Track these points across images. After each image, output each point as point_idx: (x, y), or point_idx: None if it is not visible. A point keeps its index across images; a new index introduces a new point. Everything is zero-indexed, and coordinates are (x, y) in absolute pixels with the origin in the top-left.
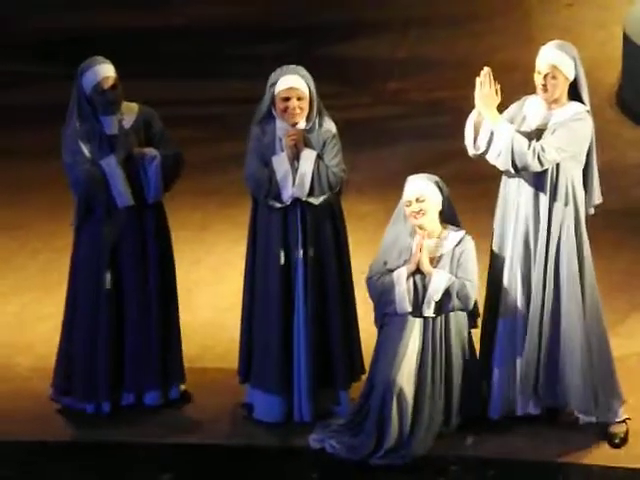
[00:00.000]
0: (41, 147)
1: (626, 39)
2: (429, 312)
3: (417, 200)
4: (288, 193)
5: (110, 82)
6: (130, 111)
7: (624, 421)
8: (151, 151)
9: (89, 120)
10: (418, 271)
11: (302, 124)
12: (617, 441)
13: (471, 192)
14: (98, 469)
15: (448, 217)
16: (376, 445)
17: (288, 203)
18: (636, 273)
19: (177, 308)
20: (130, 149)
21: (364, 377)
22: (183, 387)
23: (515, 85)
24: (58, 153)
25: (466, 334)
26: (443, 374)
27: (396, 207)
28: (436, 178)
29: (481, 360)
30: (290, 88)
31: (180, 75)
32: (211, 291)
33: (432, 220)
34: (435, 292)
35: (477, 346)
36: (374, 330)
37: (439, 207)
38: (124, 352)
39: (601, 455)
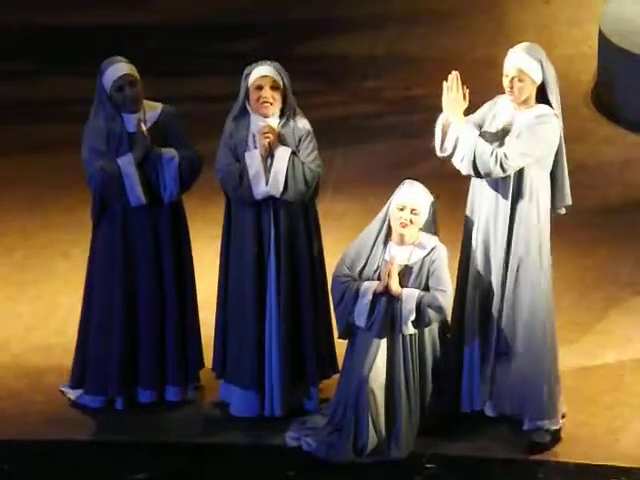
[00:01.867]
0: (20, 143)
1: (602, 37)
2: (409, 331)
3: (412, 211)
4: (260, 190)
5: (128, 80)
6: (152, 110)
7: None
8: (169, 151)
9: (111, 118)
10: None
11: (275, 120)
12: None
13: (448, 189)
14: (66, 468)
15: (427, 230)
16: (354, 446)
17: (259, 199)
18: (611, 270)
19: (196, 308)
20: (148, 148)
21: (337, 376)
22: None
23: (492, 82)
24: (36, 150)
25: (438, 338)
26: (417, 375)
27: (382, 207)
28: (431, 197)
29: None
30: (263, 76)
31: (158, 72)
32: None
33: (413, 234)
34: (409, 312)
35: None
36: None
37: (422, 224)
38: (138, 350)
39: (577, 453)
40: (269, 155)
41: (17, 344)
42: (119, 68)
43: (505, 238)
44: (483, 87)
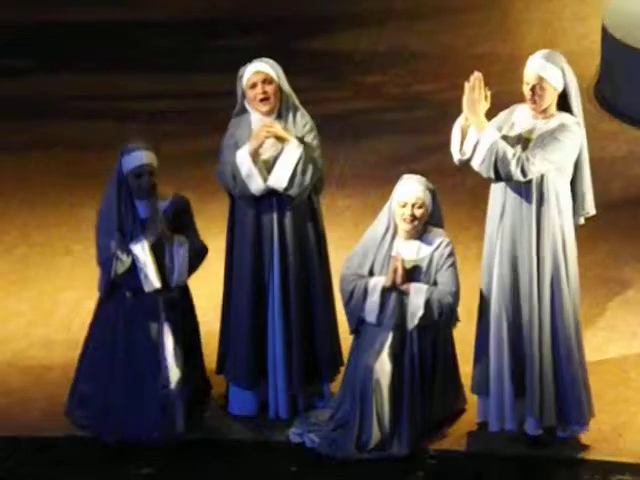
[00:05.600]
0: (21, 141)
1: (605, 32)
2: (414, 325)
3: (414, 206)
4: (257, 187)
5: (148, 169)
6: (163, 197)
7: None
8: (180, 238)
9: (125, 202)
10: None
11: (276, 120)
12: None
13: (450, 185)
14: (69, 465)
15: (432, 221)
16: (357, 442)
17: (258, 195)
18: (613, 266)
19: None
20: (160, 234)
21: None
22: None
23: (494, 77)
24: (37, 147)
25: (442, 335)
26: (423, 371)
27: (384, 203)
28: (432, 186)
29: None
30: (255, 73)
31: (160, 68)
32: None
33: (419, 229)
34: (417, 308)
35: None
36: None
37: (427, 216)
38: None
39: (581, 448)
40: (261, 146)
41: (19, 341)
42: (141, 156)
43: (534, 248)
44: (484, 82)
